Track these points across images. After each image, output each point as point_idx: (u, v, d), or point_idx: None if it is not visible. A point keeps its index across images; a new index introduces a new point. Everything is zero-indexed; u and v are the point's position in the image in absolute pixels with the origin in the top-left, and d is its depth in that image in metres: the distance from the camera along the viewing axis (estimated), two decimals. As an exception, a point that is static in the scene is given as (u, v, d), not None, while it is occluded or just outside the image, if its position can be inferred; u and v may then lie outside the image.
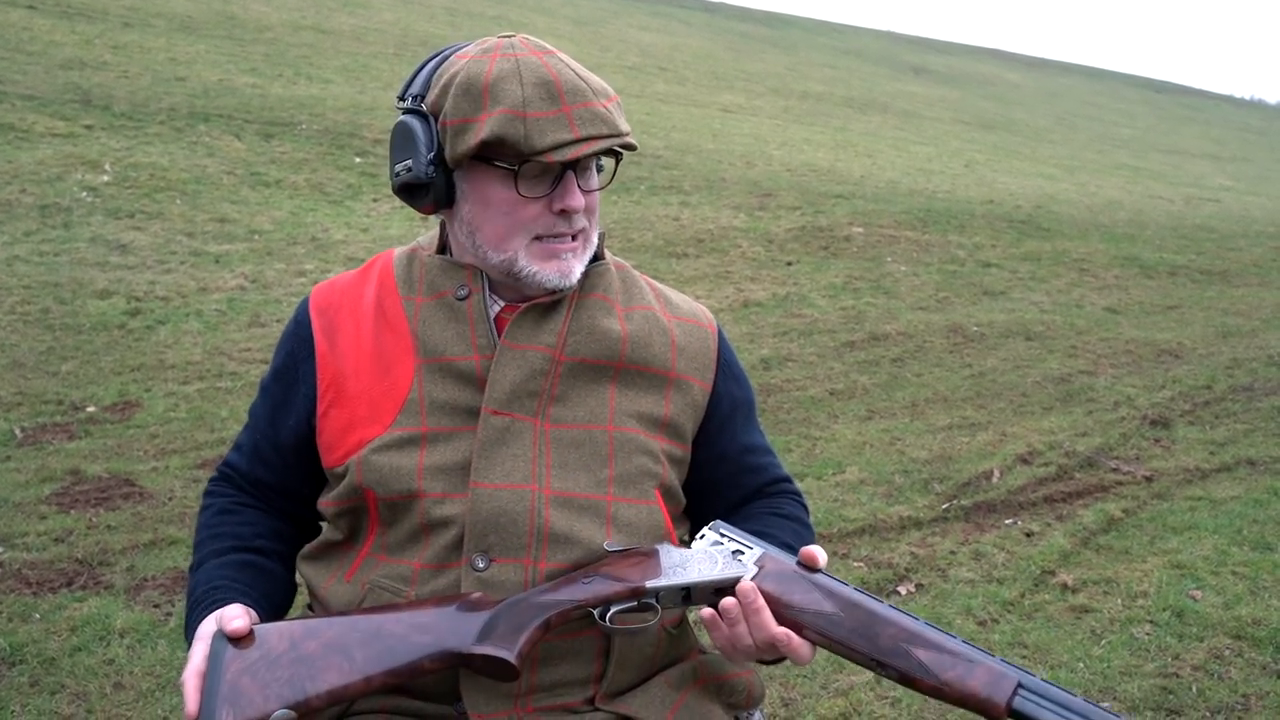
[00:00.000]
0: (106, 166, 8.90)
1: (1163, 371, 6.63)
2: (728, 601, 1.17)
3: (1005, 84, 42.99)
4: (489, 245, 1.28)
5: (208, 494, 1.43)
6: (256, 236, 8.08)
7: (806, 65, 33.90)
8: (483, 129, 1.21)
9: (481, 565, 1.23)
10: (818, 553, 1.20)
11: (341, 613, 1.23)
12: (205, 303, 6.53)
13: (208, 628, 1.16)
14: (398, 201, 9.41)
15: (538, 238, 1.27)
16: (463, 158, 1.25)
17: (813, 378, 6.08)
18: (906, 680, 1.13)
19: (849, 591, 1.17)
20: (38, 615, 3.01)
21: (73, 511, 3.72)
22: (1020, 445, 4.99)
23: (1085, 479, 4.61)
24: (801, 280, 8.51)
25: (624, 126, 1.27)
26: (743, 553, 1.21)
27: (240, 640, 1.13)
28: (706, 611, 1.19)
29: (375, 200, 9.61)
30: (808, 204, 11.35)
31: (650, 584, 1.19)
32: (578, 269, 1.30)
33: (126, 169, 8.95)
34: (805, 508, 1.46)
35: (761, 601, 1.16)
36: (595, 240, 1.34)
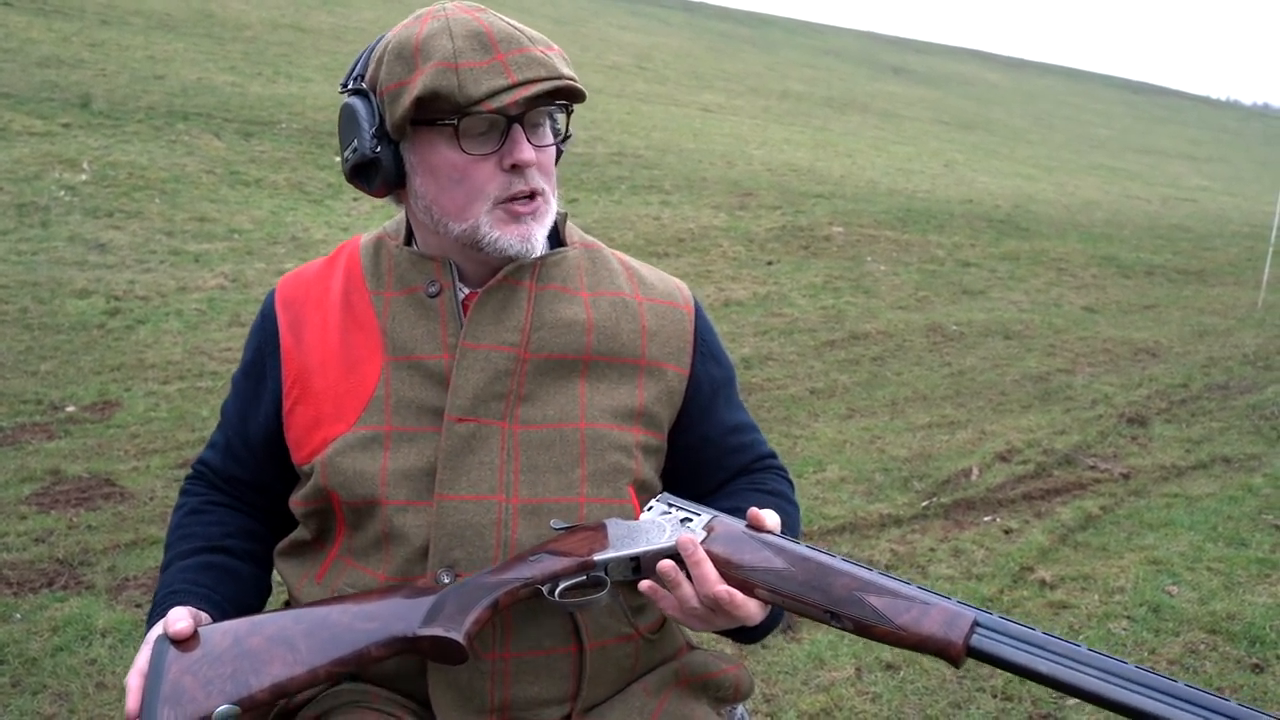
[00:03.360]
0: (85, 165, 8.84)
1: (1140, 370, 6.70)
2: (664, 564, 1.13)
3: (984, 84, 43.23)
4: (449, 217, 1.24)
5: (182, 493, 1.40)
6: (236, 236, 8.05)
7: (786, 65, 33.99)
8: (416, 87, 1.17)
9: (447, 580, 1.20)
10: (765, 515, 1.17)
11: (287, 607, 1.22)
12: (185, 302, 6.49)
13: (155, 633, 1.14)
14: (378, 200, 9.40)
15: (497, 202, 1.22)
16: (403, 123, 1.20)
17: (793, 376, 6.11)
18: (863, 629, 1.10)
19: (799, 548, 1.15)
20: (19, 615, 3.00)
21: (53, 511, 3.71)
22: (999, 443, 5.03)
23: (1063, 476, 4.65)
24: (782, 279, 8.55)
25: (566, 71, 1.21)
26: (691, 519, 1.19)
27: (184, 642, 1.11)
28: (645, 584, 1.15)
29: (355, 199, 9.57)
30: (788, 204, 11.39)
31: (598, 557, 1.16)
32: (539, 234, 1.25)
33: (105, 168, 8.90)
34: (790, 483, 1.43)
35: (702, 554, 1.13)
36: (555, 205, 1.28)
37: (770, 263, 9.08)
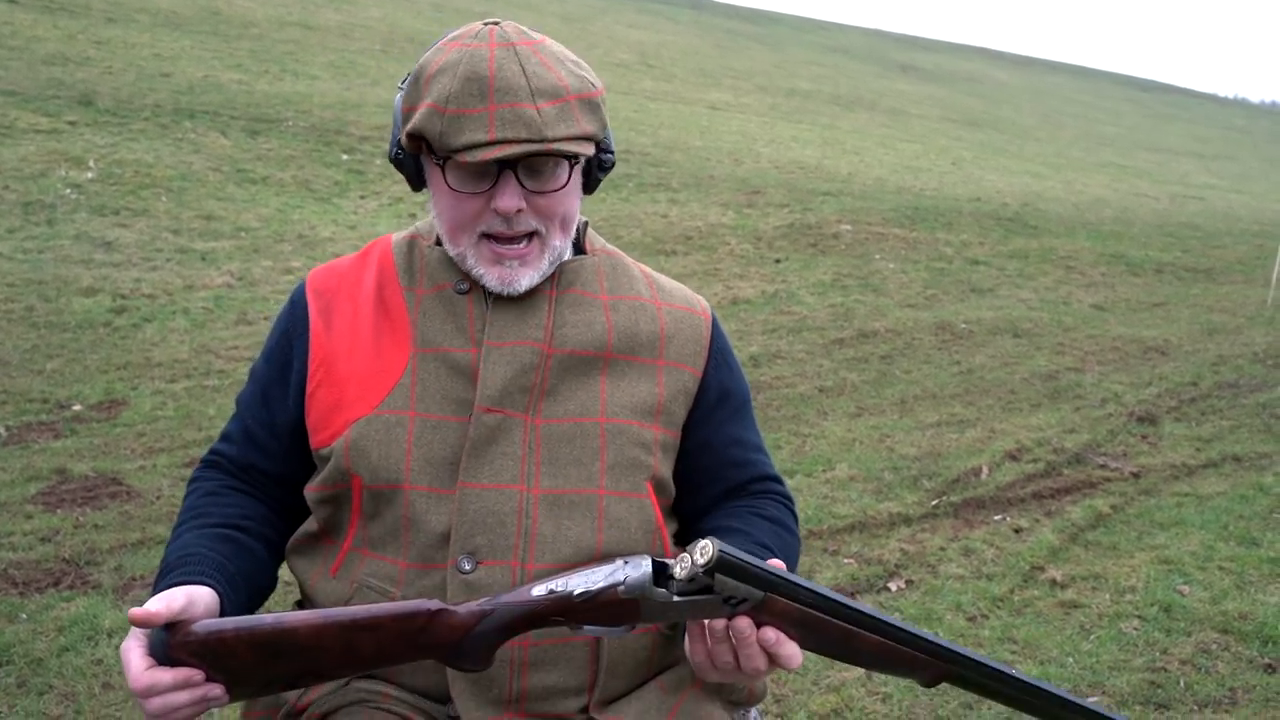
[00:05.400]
0: (91, 163, 8.84)
1: (1149, 368, 6.66)
2: (715, 624, 1.12)
3: (992, 82, 43.14)
4: (446, 236, 1.28)
5: (193, 480, 1.37)
6: (243, 234, 8.04)
7: (794, 63, 33.94)
8: (411, 120, 1.22)
9: (468, 568, 1.22)
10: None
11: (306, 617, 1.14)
12: (192, 300, 6.49)
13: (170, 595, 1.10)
14: (385, 198, 9.41)
15: (486, 236, 1.25)
16: (406, 145, 1.25)
17: (802, 375, 6.09)
18: None
19: (855, 633, 1.12)
20: (24, 615, 2.99)
21: (59, 511, 3.70)
22: (1009, 442, 5.01)
23: (1073, 475, 4.63)
24: (790, 277, 8.52)
25: (553, 133, 1.18)
26: (738, 602, 1.09)
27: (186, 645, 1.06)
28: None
29: (362, 197, 9.57)
30: (796, 201, 11.36)
31: (633, 627, 1.13)
32: (525, 278, 1.26)
33: (111, 166, 8.90)
34: (793, 512, 1.40)
35: (754, 637, 1.10)
36: (557, 245, 1.27)
37: (778, 260, 9.06)
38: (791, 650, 1.11)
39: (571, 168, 1.26)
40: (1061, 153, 24.76)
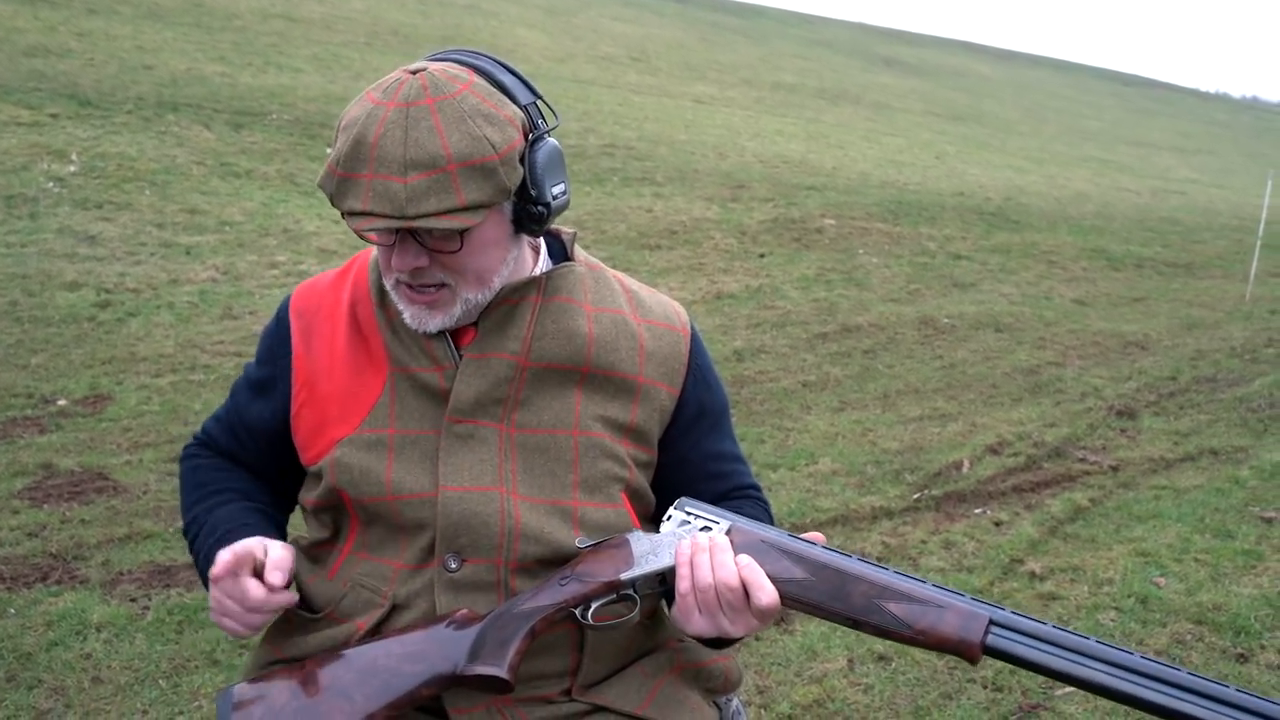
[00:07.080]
0: (73, 156, 8.80)
1: (1129, 363, 6.74)
2: (682, 545, 1.20)
3: (975, 76, 43.25)
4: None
5: (192, 455, 1.46)
6: (227, 228, 8.02)
7: (778, 56, 33.94)
8: (320, 173, 1.23)
9: (454, 566, 1.27)
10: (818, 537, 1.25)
11: (337, 648, 1.27)
12: (176, 294, 6.48)
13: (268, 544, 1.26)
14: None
15: (399, 281, 1.27)
16: None
17: (785, 369, 6.13)
18: (884, 634, 1.16)
19: (816, 552, 1.20)
20: (13, 610, 3.00)
21: (46, 506, 3.71)
22: (990, 436, 5.06)
23: (1053, 469, 4.68)
24: (774, 272, 8.56)
25: (416, 209, 1.15)
26: (710, 528, 1.23)
27: (242, 706, 1.20)
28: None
29: (347, 191, 9.54)
30: (780, 195, 11.40)
31: (625, 575, 1.22)
32: (435, 321, 1.27)
33: (94, 159, 8.85)
34: (769, 514, 1.45)
35: (721, 543, 1.19)
36: (470, 297, 1.27)
37: (762, 255, 9.09)
38: (762, 580, 1.18)
39: (462, 233, 1.21)
40: (1044, 147, 24.89)
